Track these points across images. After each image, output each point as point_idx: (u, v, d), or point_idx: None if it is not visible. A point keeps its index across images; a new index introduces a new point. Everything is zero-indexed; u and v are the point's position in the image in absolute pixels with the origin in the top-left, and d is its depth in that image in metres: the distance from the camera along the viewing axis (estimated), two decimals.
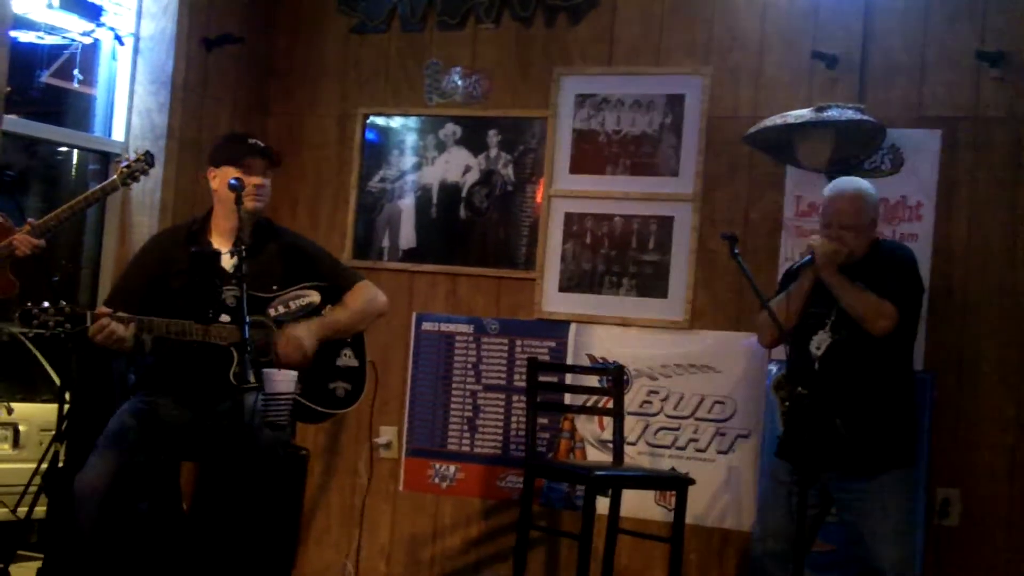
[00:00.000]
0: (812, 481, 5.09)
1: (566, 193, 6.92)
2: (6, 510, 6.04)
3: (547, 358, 6.83)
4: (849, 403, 5.24)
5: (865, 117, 6.07)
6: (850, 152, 6.20)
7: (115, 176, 5.64)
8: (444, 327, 7.13)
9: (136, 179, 5.71)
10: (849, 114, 6.06)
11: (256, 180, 5.29)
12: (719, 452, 6.53)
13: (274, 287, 5.31)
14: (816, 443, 5.08)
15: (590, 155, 6.90)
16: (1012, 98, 6.16)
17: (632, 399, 6.64)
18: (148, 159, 5.72)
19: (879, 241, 5.50)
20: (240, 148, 5.38)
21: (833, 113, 6.06)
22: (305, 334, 5.24)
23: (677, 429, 6.61)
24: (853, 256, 5.34)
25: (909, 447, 5.36)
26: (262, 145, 5.43)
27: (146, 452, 5.07)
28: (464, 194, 7.16)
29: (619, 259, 6.80)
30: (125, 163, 5.70)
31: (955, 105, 6.24)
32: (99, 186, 5.65)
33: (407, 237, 7.26)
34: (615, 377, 6.46)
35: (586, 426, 6.80)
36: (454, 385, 7.09)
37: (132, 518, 5.10)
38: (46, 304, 4.80)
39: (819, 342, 5.35)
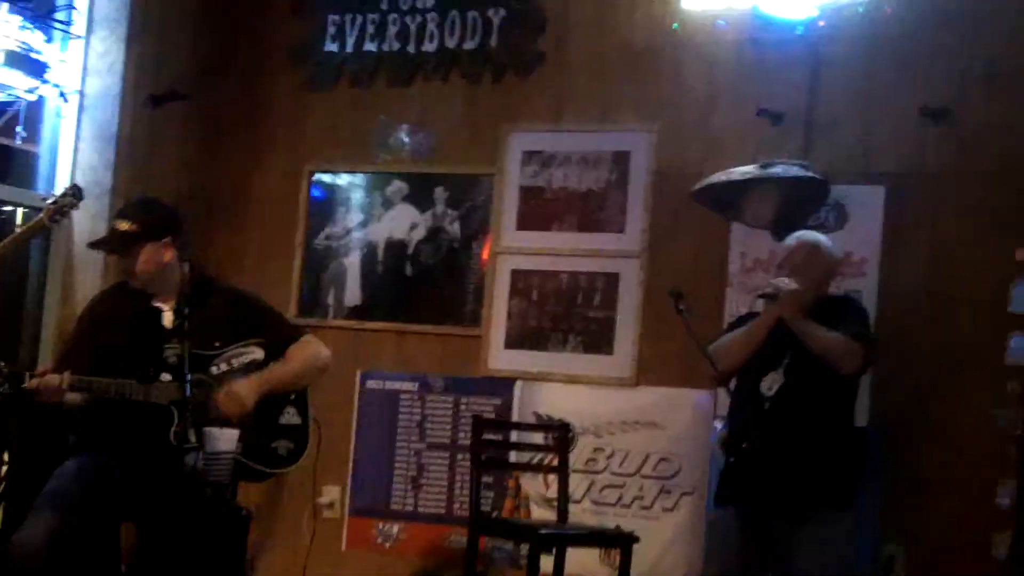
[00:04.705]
0: (760, 525, 5.11)
1: (513, 250, 6.92)
2: None
3: (493, 415, 6.80)
4: (795, 455, 5.26)
5: (809, 173, 6.09)
6: (795, 208, 6.21)
7: (42, 214, 5.41)
8: (389, 385, 7.09)
9: (65, 214, 5.47)
10: (794, 171, 6.08)
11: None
12: (664, 509, 6.51)
13: (216, 343, 5.23)
14: (763, 490, 5.10)
15: (537, 212, 6.91)
16: (956, 155, 6.19)
17: (578, 456, 6.62)
18: (75, 192, 5.48)
19: (826, 296, 5.57)
20: None
21: (778, 170, 6.08)
22: (246, 390, 5.17)
23: (622, 486, 6.58)
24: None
25: (847, 490, 5.38)
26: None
27: (86, 512, 5.01)
28: (410, 251, 7.14)
29: (565, 316, 6.79)
30: (52, 200, 5.45)
31: (900, 161, 6.28)
32: (26, 226, 5.45)
33: (353, 294, 7.24)
34: (560, 434, 6.42)
35: (531, 484, 6.76)
36: (398, 443, 7.04)
37: None
38: None
39: (771, 382, 5.40)
